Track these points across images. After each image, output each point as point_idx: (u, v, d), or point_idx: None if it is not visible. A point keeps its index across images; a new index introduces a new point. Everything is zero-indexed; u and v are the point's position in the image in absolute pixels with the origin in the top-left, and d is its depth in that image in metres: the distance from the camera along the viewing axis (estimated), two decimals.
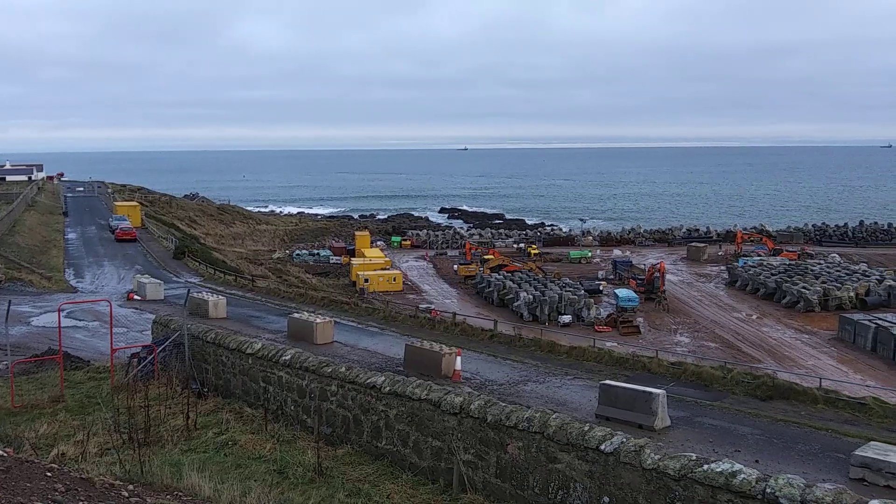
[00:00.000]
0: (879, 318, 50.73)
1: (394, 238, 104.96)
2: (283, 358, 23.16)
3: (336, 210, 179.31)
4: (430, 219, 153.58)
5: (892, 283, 62.81)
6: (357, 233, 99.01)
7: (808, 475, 18.51)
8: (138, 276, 52.99)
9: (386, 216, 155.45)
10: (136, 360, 28.34)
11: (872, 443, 20.61)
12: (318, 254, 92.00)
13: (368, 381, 20.14)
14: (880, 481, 18.78)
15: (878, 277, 65.69)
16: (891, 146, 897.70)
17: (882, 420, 24.91)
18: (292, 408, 22.78)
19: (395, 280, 70.13)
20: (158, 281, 50.64)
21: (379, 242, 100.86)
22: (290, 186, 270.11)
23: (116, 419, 19.70)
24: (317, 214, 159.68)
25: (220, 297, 43.13)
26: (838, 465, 20.16)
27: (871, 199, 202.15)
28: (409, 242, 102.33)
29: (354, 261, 78.96)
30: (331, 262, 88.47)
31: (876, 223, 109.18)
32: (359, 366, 23.38)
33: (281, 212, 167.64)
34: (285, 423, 22.31)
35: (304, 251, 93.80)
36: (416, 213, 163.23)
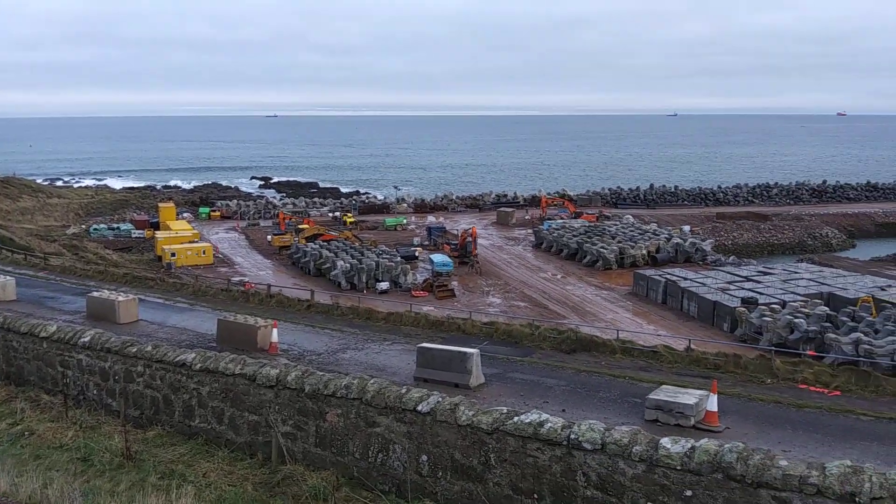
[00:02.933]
0: (668, 273, 55.33)
1: (202, 209, 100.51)
2: (83, 340, 21.67)
3: (136, 181, 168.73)
4: (241, 188, 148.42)
5: (678, 240, 68.61)
6: (161, 204, 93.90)
7: (609, 419, 19.88)
8: None
9: (191, 186, 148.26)
10: None
11: (664, 386, 22.51)
12: (118, 228, 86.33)
13: (178, 359, 19.32)
14: (671, 421, 20.57)
15: (666, 236, 71.52)
16: (676, 115, 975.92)
17: (672, 365, 27.21)
18: (95, 392, 21.40)
19: (204, 253, 67.33)
20: None
21: (185, 214, 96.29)
22: (84, 157, 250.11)
23: None
24: (115, 186, 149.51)
25: (8, 277, 39.48)
26: (635, 408, 21.85)
27: (660, 163, 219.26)
28: (218, 213, 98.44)
29: (159, 234, 74.99)
30: (133, 236, 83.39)
31: (664, 186, 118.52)
32: (167, 344, 22.34)
33: (75, 184, 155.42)
34: (88, 409, 20.98)
35: (102, 226, 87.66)
36: (224, 183, 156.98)
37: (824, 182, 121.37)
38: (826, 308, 42.97)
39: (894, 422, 20.70)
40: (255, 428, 17.66)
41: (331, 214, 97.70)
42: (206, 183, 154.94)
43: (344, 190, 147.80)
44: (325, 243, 67.07)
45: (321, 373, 17.24)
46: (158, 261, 67.52)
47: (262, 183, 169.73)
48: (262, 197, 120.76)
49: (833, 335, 37.16)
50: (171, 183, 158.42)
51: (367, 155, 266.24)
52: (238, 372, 17.89)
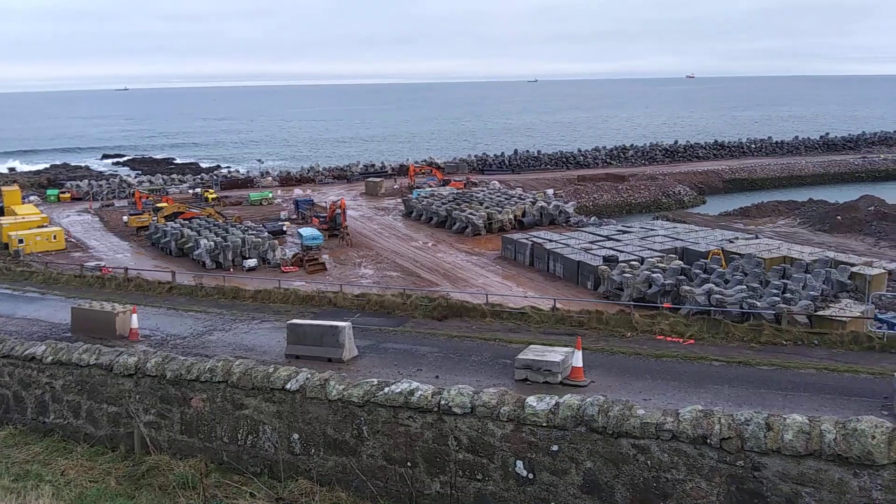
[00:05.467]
0: (535, 236, 56.85)
1: (49, 191, 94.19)
2: None
3: None
4: (92, 167, 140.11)
5: (543, 204, 70.51)
6: (4, 188, 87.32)
7: (481, 382, 20.28)
8: None
9: (36, 168, 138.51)
10: None
11: (532, 346, 23.17)
12: None
13: (27, 352, 18.10)
14: (540, 379, 21.21)
15: (531, 200, 73.36)
16: (536, 80, 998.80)
17: (539, 325, 28.06)
18: None
19: (55, 238, 63.32)
20: None
21: (32, 198, 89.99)
22: None
23: None
24: None
25: None
26: (506, 369, 22.39)
27: (521, 128, 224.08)
28: (68, 195, 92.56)
29: (4, 220, 69.90)
30: None
31: (528, 151, 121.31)
32: (16, 337, 20.91)
33: None
34: None
35: None
36: (73, 163, 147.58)
37: (676, 142, 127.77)
38: (680, 262, 45.44)
39: (742, 365, 22.20)
40: (115, 420, 16.83)
41: (191, 191, 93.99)
42: (53, 164, 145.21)
43: (204, 165, 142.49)
44: (187, 221, 64.53)
45: (183, 357, 16.60)
46: (5, 248, 62.99)
47: (115, 161, 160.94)
48: (116, 176, 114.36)
49: (687, 287, 39.39)
50: (10, 165, 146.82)
51: (225, 130, 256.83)
52: (93, 362, 16.95)
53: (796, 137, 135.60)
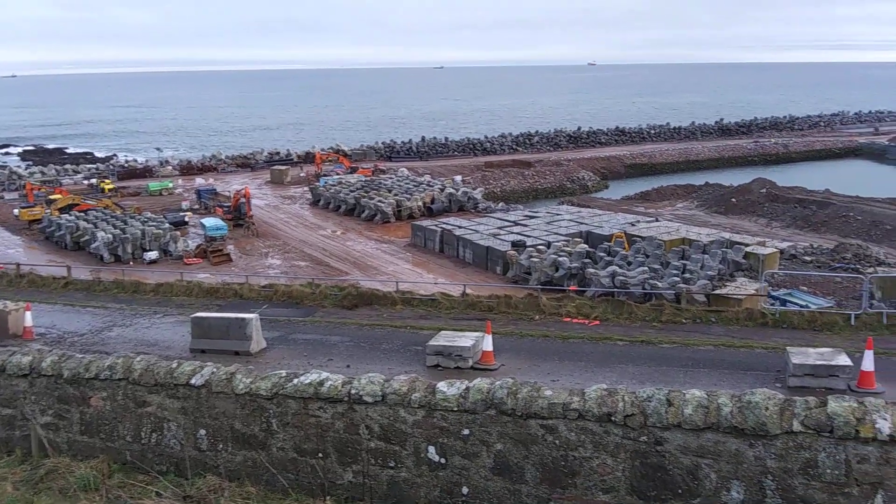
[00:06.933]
0: (444, 223, 57.09)
1: None
2: None
3: None
4: None
5: (451, 191, 70.83)
6: None
7: (393, 370, 20.21)
8: None
9: None
10: None
11: (443, 332, 23.28)
12: None
13: None
14: (451, 364, 21.36)
15: (440, 187, 73.58)
16: (443, 67, 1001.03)
17: (450, 311, 28.20)
18: None
19: None
20: None
21: None
22: None
23: None
24: None
25: None
26: (417, 356, 22.43)
27: (429, 115, 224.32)
28: None
29: None
30: None
31: (435, 138, 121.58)
32: None
33: None
34: None
35: None
36: None
37: (579, 129, 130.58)
38: (585, 245, 46.53)
39: (645, 344, 22.93)
40: (10, 422, 16.06)
41: (86, 182, 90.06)
42: None
43: (99, 155, 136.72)
44: (83, 213, 61.84)
45: (81, 355, 15.96)
46: None
47: (4, 151, 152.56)
48: (5, 167, 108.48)
49: (592, 270, 40.40)
50: None
51: (121, 118, 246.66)
52: None
53: (693, 123, 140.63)
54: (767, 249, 44.18)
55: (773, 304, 29.28)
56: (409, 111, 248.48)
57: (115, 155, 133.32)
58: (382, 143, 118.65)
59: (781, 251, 46.56)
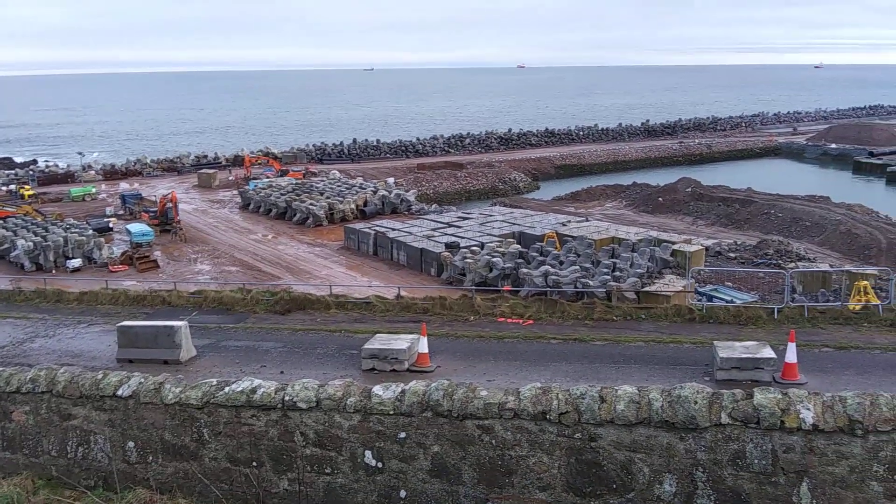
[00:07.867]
0: (377, 225, 56.81)
1: None
2: None
3: None
4: None
5: (384, 193, 70.57)
6: None
7: (328, 375, 20.06)
8: None
9: None
10: None
11: (378, 335, 23.17)
12: None
13: None
14: (387, 367, 21.24)
15: (373, 189, 73.19)
16: (373, 69, 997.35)
17: (384, 314, 28.10)
18: None
19: None
20: None
21: None
22: None
23: None
24: None
25: None
26: (353, 360, 22.25)
27: (360, 117, 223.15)
28: None
29: None
30: None
31: (367, 140, 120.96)
32: None
33: None
34: None
35: None
36: None
37: (510, 130, 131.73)
38: (518, 246, 46.95)
39: (578, 342, 23.27)
40: None
41: (4, 188, 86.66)
42: None
43: (18, 160, 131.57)
44: (1, 221, 59.49)
45: (1, 368, 15.31)
46: None
47: None
48: None
49: (525, 270, 40.77)
50: None
51: (39, 122, 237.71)
52: None
53: (620, 124, 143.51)
54: (693, 247, 45.34)
55: (700, 300, 30.05)
56: (339, 113, 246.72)
57: (35, 160, 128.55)
58: (313, 145, 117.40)
59: (707, 248, 47.87)
